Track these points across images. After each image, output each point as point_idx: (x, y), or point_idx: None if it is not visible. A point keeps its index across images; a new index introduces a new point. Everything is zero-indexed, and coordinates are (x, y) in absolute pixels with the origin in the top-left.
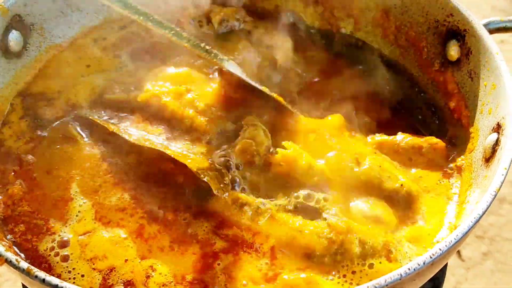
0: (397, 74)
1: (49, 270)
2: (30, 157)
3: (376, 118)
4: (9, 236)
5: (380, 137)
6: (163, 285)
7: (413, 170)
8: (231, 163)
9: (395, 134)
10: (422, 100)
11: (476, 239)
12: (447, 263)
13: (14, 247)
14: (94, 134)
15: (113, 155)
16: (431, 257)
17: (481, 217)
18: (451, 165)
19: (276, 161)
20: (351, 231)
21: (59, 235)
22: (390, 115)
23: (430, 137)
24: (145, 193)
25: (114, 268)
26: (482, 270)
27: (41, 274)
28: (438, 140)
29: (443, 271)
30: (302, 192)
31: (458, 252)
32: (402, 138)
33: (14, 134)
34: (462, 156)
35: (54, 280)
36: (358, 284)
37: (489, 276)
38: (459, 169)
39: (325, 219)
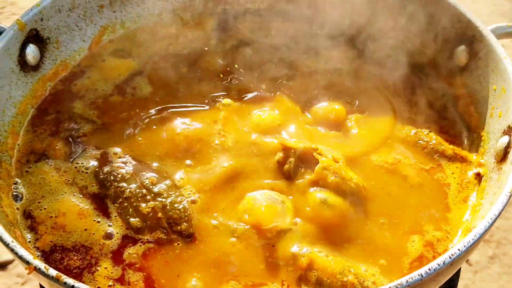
0: None
1: None
2: None
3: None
4: None
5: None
6: None
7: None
8: None
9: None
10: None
11: (482, 243)
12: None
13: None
14: None
15: None
16: (450, 257)
17: (497, 217)
18: (469, 171)
19: None
20: None
21: None
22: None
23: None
24: None
25: None
26: (489, 273)
27: (70, 280)
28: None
29: (457, 273)
30: None
31: None
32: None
33: None
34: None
35: (83, 286)
36: None
37: (496, 280)
38: (477, 175)
39: None
